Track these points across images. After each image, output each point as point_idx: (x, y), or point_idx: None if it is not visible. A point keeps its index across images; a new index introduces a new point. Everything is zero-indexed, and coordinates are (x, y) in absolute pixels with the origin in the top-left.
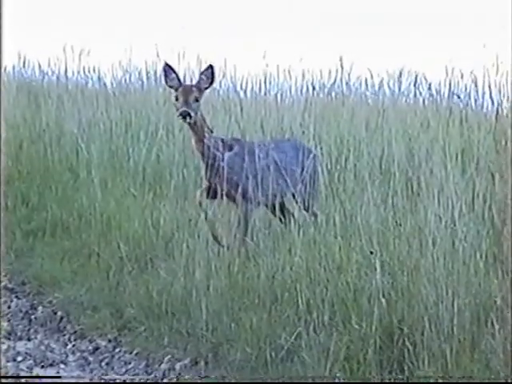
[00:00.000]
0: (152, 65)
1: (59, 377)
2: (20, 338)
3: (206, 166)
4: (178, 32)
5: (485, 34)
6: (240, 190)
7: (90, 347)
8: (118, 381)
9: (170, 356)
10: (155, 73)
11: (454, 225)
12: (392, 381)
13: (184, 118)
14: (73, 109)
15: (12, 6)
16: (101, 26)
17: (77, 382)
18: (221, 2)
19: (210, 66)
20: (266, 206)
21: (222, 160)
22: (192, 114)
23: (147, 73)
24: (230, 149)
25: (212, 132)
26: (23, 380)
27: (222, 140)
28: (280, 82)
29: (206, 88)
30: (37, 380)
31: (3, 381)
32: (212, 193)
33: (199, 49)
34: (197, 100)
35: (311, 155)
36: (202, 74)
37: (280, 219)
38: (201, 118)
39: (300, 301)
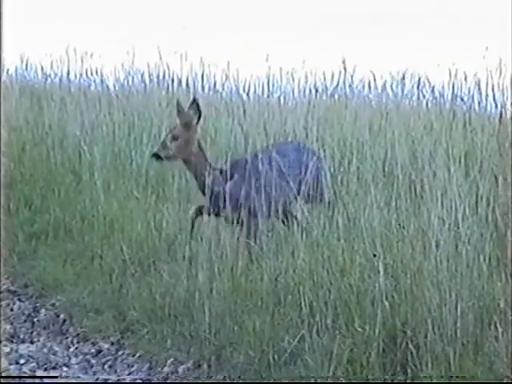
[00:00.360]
0: (154, 67)
1: (56, 377)
2: (23, 341)
3: (210, 200)
4: (181, 34)
5: (488, 37)
6: (246, 211)
7: (93, 350)
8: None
9: (172, 359)
10: (158, 75)
11: (458, 228)
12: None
13: (156, 160)
14: (75, 111)
15: (14, 9)
16: (103, 28)
17: (79, 383)
18: (223, 3)
19: (194, 100)
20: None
21: (224, 193)
22: (162, 155)
23: (150, 75)
24: (231, 177)
25: (211, 166)
26: (23, 380)
27: (222, 171)
28: (283, 84)
29: (197, 123)
30: (38, 380)
31: (3, 381)
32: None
33: (202, 51)
34: (175, 138)
35: (314, 157)
36: (188, 109)
37: (283, 221)
38: (198, 153)
39: (303, 303)
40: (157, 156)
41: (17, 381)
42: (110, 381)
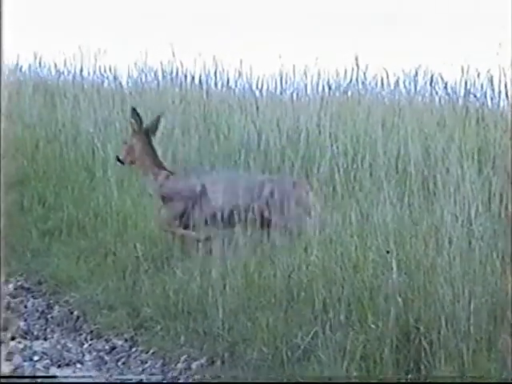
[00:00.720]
0: (167, 64)
1: (55, 376)
2: (37, 338)
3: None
4: (194, 31)
5: (501, 33)
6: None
7: (107, 346)
8: (134, 380)
9: (186, 355)
10: (171, 72)
11: (471, 224)
12: (408, 380)
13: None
14: (89, 108)
15: (28, 6)
16: (116, 26)
17: (92, 383)
18: (237, 0)
19: (133, 109)
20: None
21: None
22: (120, 158)
23: (163, 72)
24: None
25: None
26: (26, 380)
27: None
28: (296, 81)
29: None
30: (48, 380)
31: (3, 381)
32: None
33: (215, 48)
34: (124, 143)
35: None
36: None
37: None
38: (144, 158)
39: (316, 300)
40: (117, 158)
41: (29, 380)
42: (123, 378)
